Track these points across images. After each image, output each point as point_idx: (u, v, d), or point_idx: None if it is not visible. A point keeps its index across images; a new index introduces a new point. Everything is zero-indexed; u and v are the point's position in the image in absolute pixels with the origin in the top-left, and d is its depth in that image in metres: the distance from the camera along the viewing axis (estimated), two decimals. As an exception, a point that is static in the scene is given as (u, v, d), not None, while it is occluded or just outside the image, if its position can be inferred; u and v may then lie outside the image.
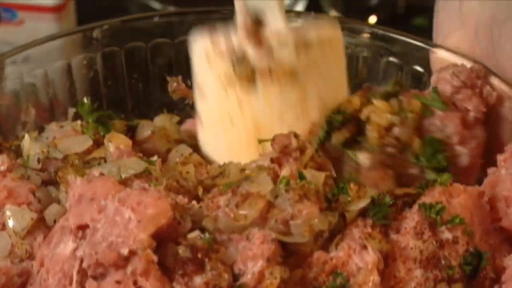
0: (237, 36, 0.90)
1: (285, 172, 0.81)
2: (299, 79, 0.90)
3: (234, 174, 0.84)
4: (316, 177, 0.80)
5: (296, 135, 0.87)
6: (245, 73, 0.89)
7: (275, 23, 0.89)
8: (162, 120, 0.99)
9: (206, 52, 0.92)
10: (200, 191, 0.82)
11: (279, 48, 0.88)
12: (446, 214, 0.79)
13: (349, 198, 0.79)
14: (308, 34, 0.90)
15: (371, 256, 0.75)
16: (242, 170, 0.84)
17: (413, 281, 0.76)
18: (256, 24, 0.89)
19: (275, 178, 0.80)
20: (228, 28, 0.92)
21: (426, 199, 0.81)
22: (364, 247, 0.76)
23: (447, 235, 0.78)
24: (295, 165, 0.83)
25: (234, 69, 0.89)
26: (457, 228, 0.79)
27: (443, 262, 0.77)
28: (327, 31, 0.93)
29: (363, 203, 0.78)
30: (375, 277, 0.74)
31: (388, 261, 0.77)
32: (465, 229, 0.79)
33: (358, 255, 0.75)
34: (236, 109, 0.91)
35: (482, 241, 0.82)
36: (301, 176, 0.80)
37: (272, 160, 0.85)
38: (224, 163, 0.87)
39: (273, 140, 0.87)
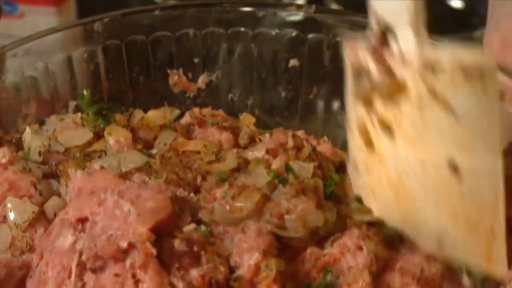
0: (365, 46, 0.78)
1: (274, 165, 0.81)
2: (424, 106, 0.73)
3: (230, 160, 0.84)
4: (304, 169, 0.80)
5: (294, 135, 0.86)
6: (364, 87, 0.78)
7: (404, 40, 0.74)
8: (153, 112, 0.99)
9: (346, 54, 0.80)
10: (199, 179, 0.81)
11: (400, 68, 0.74)
12: None
13: (359, 206, 0.79)
14: (441, 57, 0.72)
15: (364, 257, 0.75)
16: (239, 156, 0.84)
17: None
18: (385, 36, 0.76)
19: (268, 169, 0.80)
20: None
21: None
22: (360, 248, 0.76)
23: None
24: (286, 157, 0.83)
25: (354, 81, 0.79)
26: None
27: None
28: (470, 57, 0.72)
29: (371, 218, 0.78)
30: (365, 278, 0.74)
31: (386, 269, 0.77)
32: None
33: (352, 255, 0.75)
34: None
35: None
36: (288, 168, 0.80)
37: (267, 151, 0.84)
38: (220, 151, 0.87)
39: (271, 134, 0.86)
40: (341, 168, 0.88)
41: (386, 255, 0.77)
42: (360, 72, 0.78)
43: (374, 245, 0.76)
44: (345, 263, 0.75)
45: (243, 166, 0.84)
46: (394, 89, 0.75)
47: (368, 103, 0.78)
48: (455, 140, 0.73)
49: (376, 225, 0.78)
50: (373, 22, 0.77)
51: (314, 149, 0.87)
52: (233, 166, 0.83)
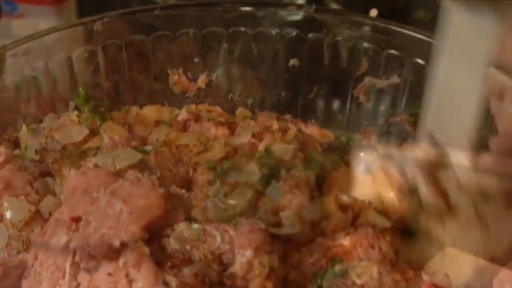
0: (414, 166, 0.79)
1: (261, 147, 0.81)
2: (468, 228, 0.77)
3: (218, 149, 0.83)
4: (284, 150, 0.80)
5: (278, 117, 0.86)
6: (412, 206, 0.79)
7: (458, 166, 0.77)
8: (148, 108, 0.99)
9: (370, 166, 0.82)
10: (191, 172, 0.81)
11: (455, 192, 0.77)
12: None
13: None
14: (492, 183, 0.77)
15: (376, 255, 0.75)
16: (227, 144, 0.84)
17: None
18: (438, 161, 0.78)
19: (254, 152, 0.80)
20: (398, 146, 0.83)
21: None
22: (372, 247, 0.75)
23: None
24: (272, 139, 0.83)
25: (400, 197, 0.80)
26: None
27: None
28: None
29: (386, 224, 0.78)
30: (373, 272, 0.74)
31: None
32: None
33: (364, 250, 0.75)
34: None
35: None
36: (268, 151, 0.79)
37: (253, 135, 0.84)
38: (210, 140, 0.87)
39: (255, 118, 0.86)
40: (330, 149, 0.87)
41: (393, 259, 0.76)
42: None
43: (387, 247, 0.76)
44: (356, 255, 0.75)
45: (231, 154, 0.84)
46: (444, 211, 0.77)
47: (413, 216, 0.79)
48: (485, 251, 0.76)
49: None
50: (427, 145, 0.78)
51: (299, 130, 0.87)
52: (221, 155, 0.83)
